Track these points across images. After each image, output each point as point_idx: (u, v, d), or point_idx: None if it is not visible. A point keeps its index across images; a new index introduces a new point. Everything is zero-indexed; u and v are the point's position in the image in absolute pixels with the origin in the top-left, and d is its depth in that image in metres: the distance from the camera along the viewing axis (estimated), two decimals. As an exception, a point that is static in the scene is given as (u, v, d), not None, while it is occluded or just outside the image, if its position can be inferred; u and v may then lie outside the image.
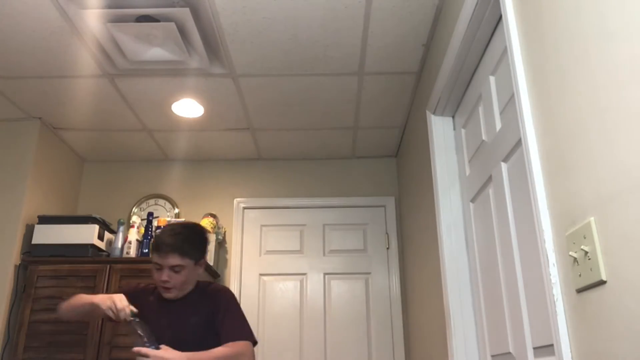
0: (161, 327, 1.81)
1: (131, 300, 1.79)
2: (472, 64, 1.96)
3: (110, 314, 1.72)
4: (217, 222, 3.42)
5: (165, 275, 1.80)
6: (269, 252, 3.53)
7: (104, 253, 3.10)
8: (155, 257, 1.82)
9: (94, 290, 2.87)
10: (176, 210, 3.51)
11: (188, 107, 3.01)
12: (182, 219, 3.35)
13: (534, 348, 1.48)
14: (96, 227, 3.02)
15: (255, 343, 1.83)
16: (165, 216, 3.44)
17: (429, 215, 2.44)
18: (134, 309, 1.74)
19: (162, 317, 1.85)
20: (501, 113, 1.73)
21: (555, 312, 1.12)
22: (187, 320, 1.85)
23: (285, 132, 3.35)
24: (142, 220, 3.34)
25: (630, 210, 0.87)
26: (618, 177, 0.91)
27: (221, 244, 3.49)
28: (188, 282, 1.87)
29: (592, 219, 0.99)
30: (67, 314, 1.87)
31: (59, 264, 2.93)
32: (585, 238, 1.00)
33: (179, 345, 1.73)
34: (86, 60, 2.56)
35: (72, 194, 3.52)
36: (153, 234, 3.15)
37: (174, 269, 1.81)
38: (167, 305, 1.88)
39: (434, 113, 2.33)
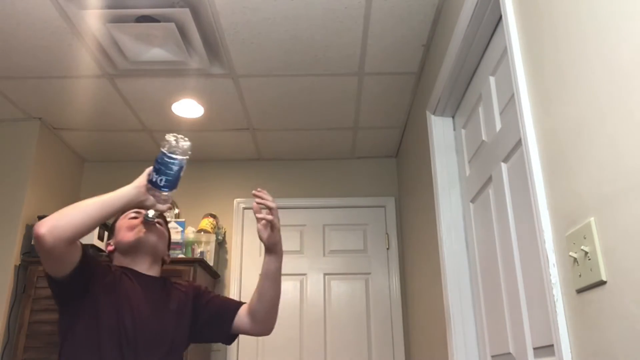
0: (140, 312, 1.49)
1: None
2: (472, 64, 1.96)
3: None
4: (217, 222, 3.42)
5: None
6: (269, 252, 3.52)
7: (104, 253, 3.09)
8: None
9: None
10: (176, 211, 3.50)
11: (188, 107, 3.01)
12: (182, 219, 3.34)
13: (534, 348, 1.47)
14: (96, 228, 3.02)
15: None
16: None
17: (429, 216, 2.44)
18: None
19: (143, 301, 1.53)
20: (501, 113, 1.73)
21: (555, 312, 1.12)
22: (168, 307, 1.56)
23: (285, 132, 3.35)
24: (142, 220, 3.34)
25: (630, 210, 0.87)
26: (618, 177, 0.91)
27: (221, 244, 3.49)
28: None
29: (592, 219, 0.99)
30: (70, 234, 1.31)
31: (59, 264, 2.92)
32: (585, 238, 1.00)
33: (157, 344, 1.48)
34: (86, 60, 2.56)
35: (72, 194, 3.51)
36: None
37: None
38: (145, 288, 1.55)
39: (434, 113, 2.33)
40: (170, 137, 1.44)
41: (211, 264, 3.23)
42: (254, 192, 1.49)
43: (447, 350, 2.08)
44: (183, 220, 3.32)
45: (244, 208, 3.60)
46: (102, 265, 1.53)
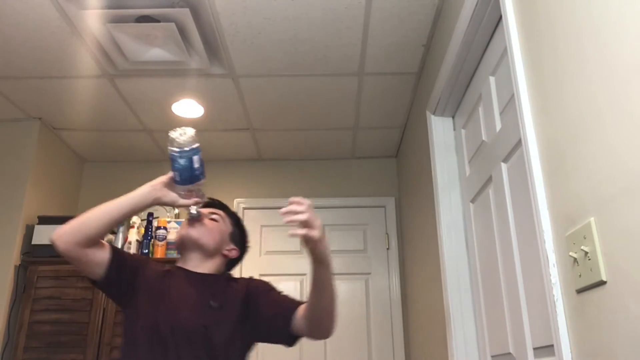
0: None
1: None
2: (472, 64, 1.96)
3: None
4: (217, 223, 3.41)
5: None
6: (269, 252, 3.52)
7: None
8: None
9: (93, 292, 2.87)
10: (176, 211, 3.50)
11: (188, 107, 3.01)
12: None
13: (534, 348, 1.47)
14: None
15: None
16: (165, 216, 3.44)
17: (429, 216, 2.43)
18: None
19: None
20: (501, 113, 1.73)
21: (555, 312, 1.11)
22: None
23: (285, 132, 3.35)
24: (142, 220, 3.34)
25: (630, 210, 0.87)
26: (618, 177, 0.91)
27: (221, 244, 3.48)
28: None
29: (592, 219, 0.99)
30: (90, 234, 1.44)
31: (59, 264, 2.92)
32: (585, 238, 1.00)
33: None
34: (86, 60, 2.56)
35: (72, 194, 3.52)
36: (153, 234, 3.15)
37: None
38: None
39: (434, 113, 2.33)
40: (171, 133, 1.47)
41: (211, 264, 3.22)
42: (280, 212, 1.29)
43: (447, 350, 2.08)
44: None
45: (244, 208, 3.60)
46: (150, 265, 1.57)
